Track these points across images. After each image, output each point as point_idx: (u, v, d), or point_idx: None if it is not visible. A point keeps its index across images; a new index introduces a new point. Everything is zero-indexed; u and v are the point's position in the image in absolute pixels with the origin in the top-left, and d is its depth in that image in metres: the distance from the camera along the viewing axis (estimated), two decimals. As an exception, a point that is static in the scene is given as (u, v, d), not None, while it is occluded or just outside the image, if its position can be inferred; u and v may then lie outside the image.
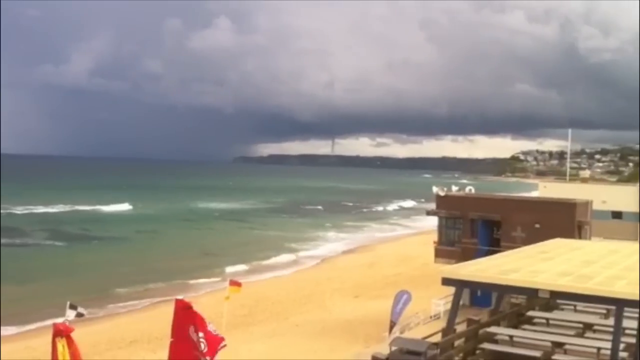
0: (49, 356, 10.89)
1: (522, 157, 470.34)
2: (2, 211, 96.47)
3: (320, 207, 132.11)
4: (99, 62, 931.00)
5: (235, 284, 25.74)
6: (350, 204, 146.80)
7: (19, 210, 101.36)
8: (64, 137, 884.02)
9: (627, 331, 17.48)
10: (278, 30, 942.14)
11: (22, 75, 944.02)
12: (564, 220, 34.59)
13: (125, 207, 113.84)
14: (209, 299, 40.99)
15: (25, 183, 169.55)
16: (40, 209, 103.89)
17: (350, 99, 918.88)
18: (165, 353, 13.07)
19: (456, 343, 18.47)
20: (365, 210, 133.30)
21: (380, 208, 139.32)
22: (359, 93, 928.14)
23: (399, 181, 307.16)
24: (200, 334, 12.40)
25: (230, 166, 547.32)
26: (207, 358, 12.42)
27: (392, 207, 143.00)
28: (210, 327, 12.62)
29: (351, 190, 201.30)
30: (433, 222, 41.49)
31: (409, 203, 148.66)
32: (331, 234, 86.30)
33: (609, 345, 16.12)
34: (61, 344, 11.03)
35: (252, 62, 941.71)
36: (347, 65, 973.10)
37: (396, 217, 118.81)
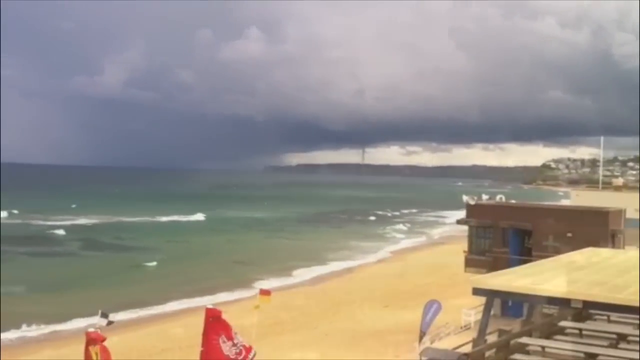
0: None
1: (553, 165, 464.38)
2: (44, 223, 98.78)
3: (372, 218, 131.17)
4: (132, 73, 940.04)
5: (265, 292, 25.77)
6: (397, 212, 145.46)
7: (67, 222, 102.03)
8: (97, 147, 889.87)
9: (662, 342, 17.16)
10: (307, 40, 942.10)
11: (56, 87, 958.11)
12: (597, 229, 34.13)
13: (200, 217, 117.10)
14: (239, 307, 41.10)
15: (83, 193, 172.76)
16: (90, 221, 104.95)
17: (380, 108, 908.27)
18: (195, 362, 13.14)
19: (487, 354, 18.28)
20: (419, 219, 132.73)
21: (431, 218, 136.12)
22: (389, 102, 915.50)
23: (434, 189, 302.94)
24: (230, 343, 12.45)
25: (262, 175, 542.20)
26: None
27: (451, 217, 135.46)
28: (238, 337, 12.66)
29: (394, 199, 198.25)
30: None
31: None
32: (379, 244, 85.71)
33: (643, 356, 15.85)
34: (94, 352, 11.18)
35: (282, 72, 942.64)
36: (376, 73, 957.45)
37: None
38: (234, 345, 12.54)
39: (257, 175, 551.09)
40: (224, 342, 12.56)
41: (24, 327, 38.27)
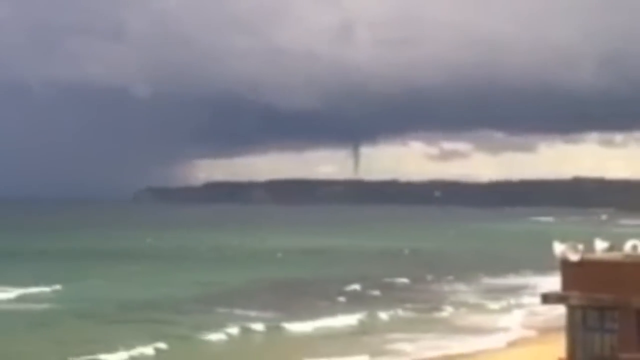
0: None
1: None
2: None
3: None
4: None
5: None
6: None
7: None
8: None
9: None
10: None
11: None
12: None
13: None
14: None
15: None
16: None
17: (388, 63, 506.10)
18: None
19: None
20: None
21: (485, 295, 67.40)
22: (409, 47, 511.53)
23: (495, 232, 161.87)
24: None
25: (133, 205, 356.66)
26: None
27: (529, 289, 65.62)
28: None
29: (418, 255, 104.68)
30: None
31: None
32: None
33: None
34: None
35: None
36: None
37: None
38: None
39: (123, 205, 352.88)
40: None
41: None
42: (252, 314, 52.14)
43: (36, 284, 61.89)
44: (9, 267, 74.99)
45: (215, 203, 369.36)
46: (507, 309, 57.45)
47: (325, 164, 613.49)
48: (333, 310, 54.41)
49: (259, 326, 47.23)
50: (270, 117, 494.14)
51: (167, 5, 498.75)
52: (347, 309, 54.88)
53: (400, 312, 55.00)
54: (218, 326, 46.29)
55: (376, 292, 66.01)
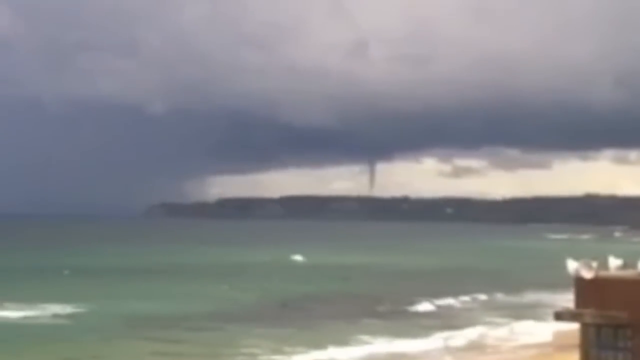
0: None
1: None
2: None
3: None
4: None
5: None
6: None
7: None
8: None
9: None
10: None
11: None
12: None
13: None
14: None
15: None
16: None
17: (403, 80, 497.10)
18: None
19: None
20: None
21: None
22: (425, 66, 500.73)
23: (510, 249, 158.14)
24: None
25: (145, 222, 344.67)
26: None
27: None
28: None
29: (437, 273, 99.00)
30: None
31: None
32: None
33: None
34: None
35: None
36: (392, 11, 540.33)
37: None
38: None
39: (136, 221, 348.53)
40: None
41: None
42: (332, 332, 50.38)
43: (55, 301, 59.96)
44: (23, 284, 73.21)
45: (228, 219, 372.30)
46: (524, 326, 57.26)
47: (340, 180, 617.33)
48: (397, 331, 53.26)
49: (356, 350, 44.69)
50: (286, 133, 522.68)
51: (182, 22, 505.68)
52: (405, 330, 53.77)
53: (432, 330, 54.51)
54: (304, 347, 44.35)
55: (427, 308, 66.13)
